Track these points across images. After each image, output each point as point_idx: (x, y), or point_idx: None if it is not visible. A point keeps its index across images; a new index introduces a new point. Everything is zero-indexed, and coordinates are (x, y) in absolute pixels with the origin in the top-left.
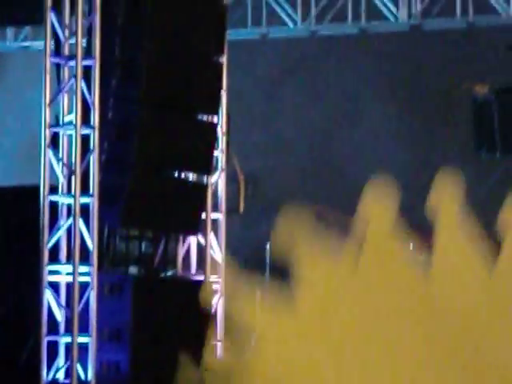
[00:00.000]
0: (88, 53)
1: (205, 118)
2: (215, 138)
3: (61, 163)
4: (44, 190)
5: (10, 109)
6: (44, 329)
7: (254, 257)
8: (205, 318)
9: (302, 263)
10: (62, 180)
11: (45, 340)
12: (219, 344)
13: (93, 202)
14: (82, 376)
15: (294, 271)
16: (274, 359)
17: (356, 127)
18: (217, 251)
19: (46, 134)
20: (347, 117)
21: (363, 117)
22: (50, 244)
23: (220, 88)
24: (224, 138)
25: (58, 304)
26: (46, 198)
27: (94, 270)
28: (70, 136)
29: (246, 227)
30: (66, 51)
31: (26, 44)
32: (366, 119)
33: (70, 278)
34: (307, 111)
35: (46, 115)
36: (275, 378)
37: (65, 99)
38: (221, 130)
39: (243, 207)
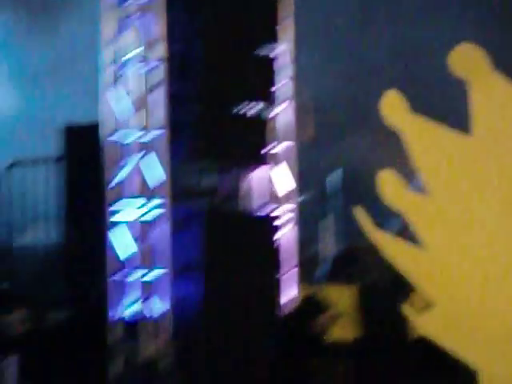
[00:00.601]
0: None
1: (265, 49)
2: (277, 68)
3: (128, 98)
4: (108, 127)
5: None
6: (112, 266)
7: (325, 185)
8: (274, 250)
9: None
10: (130, 115)
11: (117, 275)
12: (294, 271)
13: (162, 135)
14: (156, 310)
15: None
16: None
17: None
18: (288, 181)
19: (111, 70)
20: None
21: None
22: (120, 179)
23: (281, 16)
24: (292, 66)
25: (131, 239)
26: (113, 134)
27: (165, 203)
28: (135, 71)
29: (314, 155)
30: None
31: None
32: None
33: (141, 213)
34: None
35: (109, 52)
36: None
37: (130, 34)
38: (289, 58)
39: (310, 135)
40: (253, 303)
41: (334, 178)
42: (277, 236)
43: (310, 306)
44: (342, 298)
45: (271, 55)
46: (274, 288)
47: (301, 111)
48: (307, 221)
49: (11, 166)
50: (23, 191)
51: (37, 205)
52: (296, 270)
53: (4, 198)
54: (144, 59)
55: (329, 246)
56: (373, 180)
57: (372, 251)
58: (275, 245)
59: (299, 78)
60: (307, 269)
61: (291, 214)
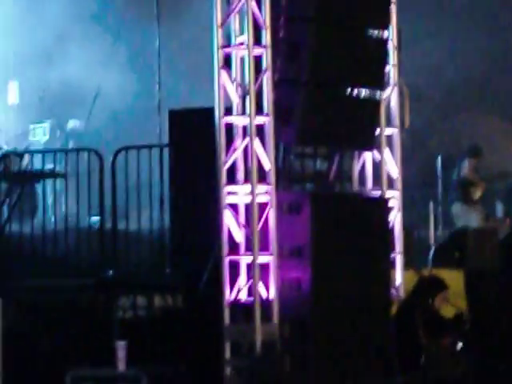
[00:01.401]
0: None
1: (375, 32)
2: (386, 53)
3: (234, 84)
4: (219, 111)
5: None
6: (225, 248)
7: (424, 170)
8: (384, 233)
9: None
10: (236, 101)
11: (226, 260)
12: (398, 257)
13: (268, 121)
14: (264, 294)
15: None
16: None
17: None
18: (392, 166)
19: (218, 56)
20: None
21: None
22: (227, 165)
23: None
24: (396, 53)
25: (238, 224)
26: (221, 119)
27: (272, 189)
28: (243, 57)
29: (413, 141)
30: None
31: None
32: None
33: (248, 199)
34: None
35: (218, 37)
36: None
37: (236, 20)
38: (392, 44)
39: (409, 121)
40: (363, 286)
41: (440, 162)
42: (386, 219)
43: (429, 285)
44: (449, 282)
45: (381, 37)
46: (386, 271)
47: (405, 96)
48: (412, 205)
49: (119, 151)
50: (132, 177)
51: (145, 190)
52: (401, 255)
53: (112, 184)
54: (252, 44)
55: (434, 230)
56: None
57: (478, 235)
58: (384, 228)
59: (406, 62)
60: (413, 253)
61: (397, 199)
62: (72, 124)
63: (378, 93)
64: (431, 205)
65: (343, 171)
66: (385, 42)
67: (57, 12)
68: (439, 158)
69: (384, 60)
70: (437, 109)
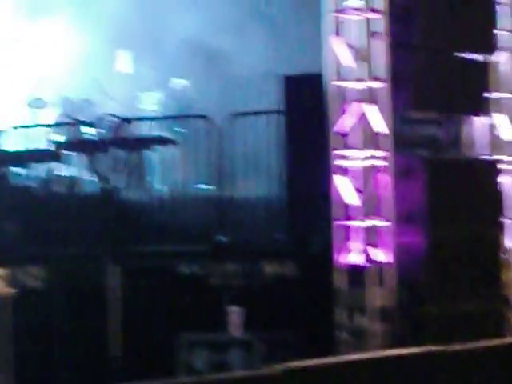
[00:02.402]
0: None
1: None
2: (495, 17)
3: (348, 49)
4: (331, 76)
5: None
6: (338, 213)
7: None
8: (494, 197)
9: None
10: (350, 65)
11: (340, 224)
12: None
13: (384, 86)
14: (381, 258)
15: None
16: None
17: None
18: (504, 131)
19: (330, 21)
20: None
21: None
22: (340, 129)
23: None
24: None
25: (354, 189)
26: (332, 84)
27: (387, 154)
28: (355, 21)
29: None
30: None
31: None
32: None
33: (364, 163)
34: None
35: (331, 1)
36: None
37: None
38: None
39: None
40: (477, 249)
41: None
42: (496, 183)
43: None
44: None
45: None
46: (498, 234)
47: None
48: None
49: (233, 117)
50: (245, 143)
51: (258, 156)
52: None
53: (225, 150)
54: (365, 9)
55: None
56: None
57: None
58: (495, 192)
59: None
60: None
61: (508, 163)
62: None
63: (490, 57)
64: None
65: (455, 136)
66: (494, 5)
67: None
68: None
69: (493, 23)
70: None
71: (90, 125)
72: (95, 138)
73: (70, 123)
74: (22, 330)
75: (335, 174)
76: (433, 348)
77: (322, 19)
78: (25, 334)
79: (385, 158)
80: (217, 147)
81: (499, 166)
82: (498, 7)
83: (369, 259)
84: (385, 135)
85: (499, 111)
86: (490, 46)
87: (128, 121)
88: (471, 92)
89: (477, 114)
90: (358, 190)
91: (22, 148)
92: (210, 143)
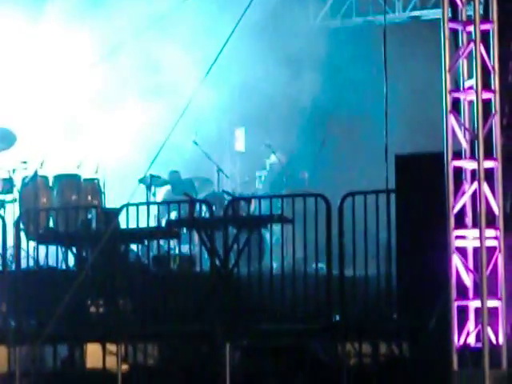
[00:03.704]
0: (485, 17)
1: None
2: None
3: (463, 128)
4: (448, 155)
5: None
6: (453, 293)
7: None
8: None
9: None
10: (464, 145)
11: (454, 304)
12: None
13: (496, 165)
14: (493, 340)
15: None
16: None
17: None
18: None
19: (447, 100)
20: None
21: None
22: (456, 209)
23: None
24: None
25: (466, 269)
26: (450, 164)
27: (500, 233)
28: (471, 101)
29: None
30: (464, 17)
31: (416, 14)
32: None
33: (476, 243)
34: None
35: (447, 81)
36: None
37: (464, 64)
38: None
39: None
40: None
41: None
42: None
43: None
44: None
45: None
46: None
47: None
48: None
49: (346, 196)
50: (358, 222)
51: (373, 235)
52: None
53: (338, 229)
54: (480, 89)
55: None
56: None
57: None
58: None
59: None
60: None
61: None
62: (274, 158)
63: None
64: None
65: None
66: None
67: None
68: None
69: None
70: None
71: (206, 202)
72: (210, 216)
73: (186, 201)
74: None
75: (451, 253)
76: None
77: (439, 98)
78: None
79: (498, 238)
80: (333, 226)
81: None
82: None
83: (483, 340)
84: (498, 215)
85: None
86: None
87: (243, 199)
88: None
89: None
90: (472, 270)
91: (136, 225)
92: (327, 222)
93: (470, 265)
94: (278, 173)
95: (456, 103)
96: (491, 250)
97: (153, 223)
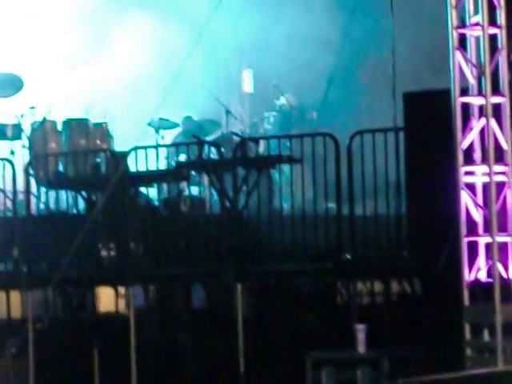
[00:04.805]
0: None
1: None
2: None
3: (470, 65)
4: (455, 91)
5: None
6: (463, 229)
7: None
8: None
9: None
10: (472, 81)
11: (464, 240)
12: None
13: (504, 101)
14: (504, 275)
15: None
16: None
17: None
18: None
19: (453, 36)
20: None
21: None
22: (464, 145)
23: None
24: None
25: (476, 204)
26: (457, 100)
27: (509, 169)
28: (478, 37)
29: None
30: None
31: None
32: None
33: (485, 179)
34: None
35: (453, 17)
36: None
37: (470, 0)
38: None
39: None
40: None
41: None
42: None
43: None
44: None
45: None
46: None
47: None
48: None
49: (354, 135)
50: (367, 160)
51: (383, 174)
52: None
53: (348, 168)
54: (487, 24)
55: None
56: None
57: None
58: None
59: None
60: None
61: None
62: (283, 99)
63: None
64: None
65: None
66: None
67: None
68: None
69: None
70: None
71: (215, 144)
72: (219, 158)
73: (195, 143)
74: (149, 350)
75: (460, 190)
76: None
77: (446, 34)
78: (147, 352)
79: (507, 173)
80: (342, 165)
81: None
82: None
83: (493, 275)
84: (507, 150)
85: None
86: None
87: (252, 140)
88: None
89: None
90: (482, 206)
91: (146, 169)
92: (336, 161)
93: (480, 201)
94: (286, 113)
95: (462, 40)
96: (500, 186)
97: (162, 166)
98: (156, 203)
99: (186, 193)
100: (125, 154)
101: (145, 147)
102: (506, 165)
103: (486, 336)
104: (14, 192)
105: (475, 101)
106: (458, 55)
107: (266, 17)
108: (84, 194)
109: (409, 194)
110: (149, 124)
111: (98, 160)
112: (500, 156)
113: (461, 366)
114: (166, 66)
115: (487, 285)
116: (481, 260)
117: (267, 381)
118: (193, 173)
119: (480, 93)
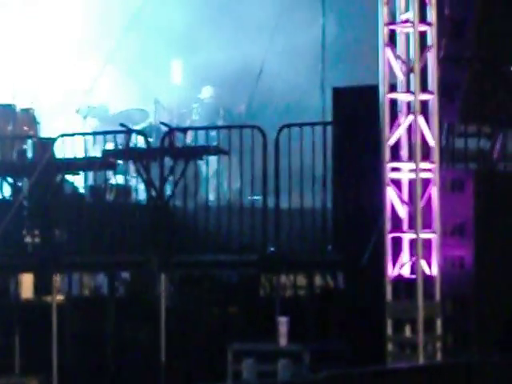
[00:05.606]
0: None
1: None
2: None
3: (399, 61)
4: (383, 88)
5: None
6: (388, 225)
7: None
8: None
9: None
10: (400, 78)
11: (389, 236)
12: None
13: (432, 98)
14: (427, 271)
15: None
16: None
17: None
18: None
19: (383, 32)
20: None
21: None
22: (391, 142)
23: None
24: None
25: (401, 201)
26: (385, 96)
27: (435, 166)
28: (407, 33)
29: None
30: None
31: None
32: None
33: (411, 175)
34: None
35: (384, 14)
36: None
37: None
38: None
39: None
40: None
41: None
42: None
43: None
44: None
45: None
46: None
47: None
48: None
49: (282, 128)
50: (295, 154)
51: (310, 168)
52: None
53: (275, 161)
54: (417, 22)
55: None
56: None
57: None
58: None
59: None
60: None
61: None
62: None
63: None
64: None
65: (506, 149)
66: None
67: None
68: None
69: None
70: None
71: (142, 133)
72: (147, 147)
73: (122, 131)
74: (71, 338)
75: (386, 185)
76: (474, 359)
77: (376, 31)
78: (75, 342)
79: (433, 171)
80: (269, 158)
81: None
82: None
83: (417, 271)
84: (434, 147)
85: None
86: None
87: (180, 130)
88: None
89: None
90: (407, 202)
91: (73, 156)
92: (263, 154)
93: (405, 197)
94: (214, 105)
95: (392, 36)
96: (426, 183)
97: (89, 154)
98: (82, 191)
99: (113, 181)
100: (52, 141)
101: (71, 134)
102: (433, 162)
103: (408, 331)
104: None
105: (403, 97)
106: (388, 51)
107: (197, 9)
108: (10, 179)
109: (335, 189)
110: (77, 111)
111: (25, 146)
112: (427, 153)
113: (382, 360)
114: (97, 53)
115: (410, 281)
116: (405, 256)
117: (188, 371)
118: (120, 161)
119: (408, 89)
